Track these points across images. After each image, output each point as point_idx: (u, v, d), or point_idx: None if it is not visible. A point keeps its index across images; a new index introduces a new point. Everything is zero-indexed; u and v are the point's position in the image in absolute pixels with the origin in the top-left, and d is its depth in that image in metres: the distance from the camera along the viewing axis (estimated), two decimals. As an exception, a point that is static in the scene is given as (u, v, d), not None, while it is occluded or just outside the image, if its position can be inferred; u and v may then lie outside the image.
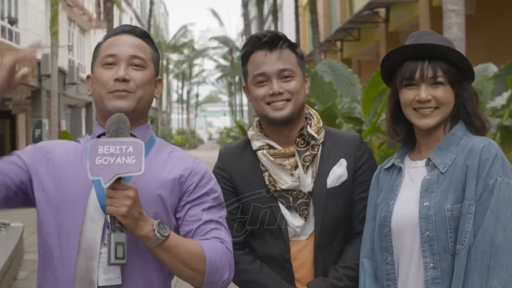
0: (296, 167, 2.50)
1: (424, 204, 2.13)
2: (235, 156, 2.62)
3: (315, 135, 2.53)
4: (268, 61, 2.49)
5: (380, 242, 2.25)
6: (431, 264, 2.10)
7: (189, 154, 2.27)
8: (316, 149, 2.51)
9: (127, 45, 2.18)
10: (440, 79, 2.17)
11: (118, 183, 1.90)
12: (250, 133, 2.62)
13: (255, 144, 2.57)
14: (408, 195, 2.20)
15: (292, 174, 2.49)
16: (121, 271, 2.02)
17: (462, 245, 2.04)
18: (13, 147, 28.30)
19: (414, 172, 2.24)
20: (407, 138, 2.33)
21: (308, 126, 2.54)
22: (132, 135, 1.99)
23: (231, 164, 2.60)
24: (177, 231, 2.14)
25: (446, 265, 2.08)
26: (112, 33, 2.26)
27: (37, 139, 25.32)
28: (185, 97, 72.21)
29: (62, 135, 18.65)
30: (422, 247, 2.12)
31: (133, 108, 2.12)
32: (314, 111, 2.65)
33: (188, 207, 2.14)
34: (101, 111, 2.17)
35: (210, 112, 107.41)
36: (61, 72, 26.34)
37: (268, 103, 2.49)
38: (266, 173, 2.52)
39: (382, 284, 2.25)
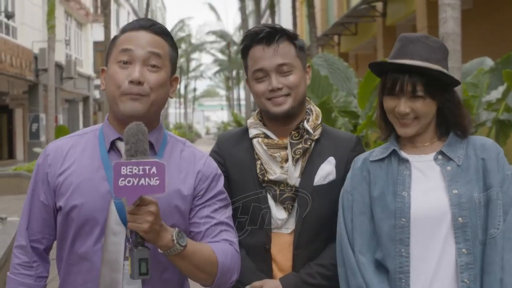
0: (286, 160, 2.51)
1: (453, 192, 2.20)
2: (232, 142, 2.65)
3: (310, 130, 2.54)
4: (266, 56, 2.49)
5: (394, 234, 2.22)
6: (464, 250, 2.16)
7: (200, 151, 2.26)
8: (309, 143, 2.53)
9: (144, 43, 2.10)
10: (420, 93, 2.21)
11: (140, 198, 1.87)
12: (250, 121, 2.65)
13: (252, 132, 2.60)
14: (426, 186, 2.24)
15: (282, 167, 2.51)
16: (142, 280, 2.04)
17: (497, 229, 2.15)
18: (10, 141, 28.29)
19: (422, 165, 2.28)
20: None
21: (305, 121, 2.56)
22: (149, 142, 1.98)
23: (227, 149, 2.63)
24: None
25: (477, 251, 2.17)
26: (130, 26, 2.16)
27: (34, 134, 25.33)
28: (182, 91, 72.07)
29: (59, 130, 18.61)
30: (455, 234, 2.17)
31: (145, 111, 2.07)
32: (316, 108, 2.65)
33: (197, 209, 2.17)
34: (114, 111, 2.14)
35: (208, 106, 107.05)
36: (58, 66, 26.33)
37: (269, 99, 2.51)
38: (259, 162, 2.55)
39: (394, 278, 2.22)
